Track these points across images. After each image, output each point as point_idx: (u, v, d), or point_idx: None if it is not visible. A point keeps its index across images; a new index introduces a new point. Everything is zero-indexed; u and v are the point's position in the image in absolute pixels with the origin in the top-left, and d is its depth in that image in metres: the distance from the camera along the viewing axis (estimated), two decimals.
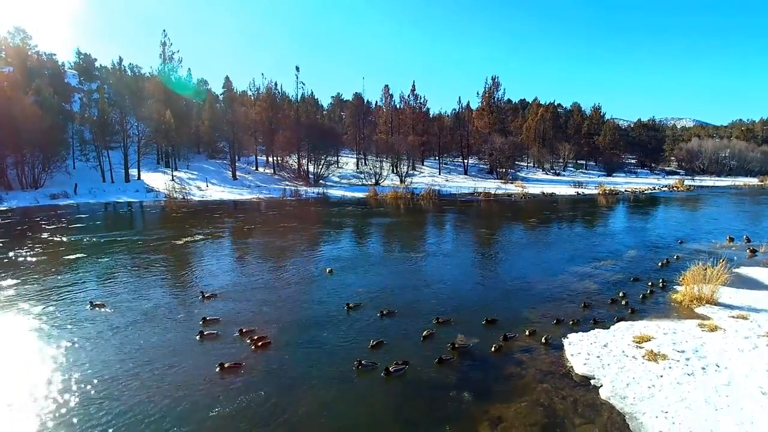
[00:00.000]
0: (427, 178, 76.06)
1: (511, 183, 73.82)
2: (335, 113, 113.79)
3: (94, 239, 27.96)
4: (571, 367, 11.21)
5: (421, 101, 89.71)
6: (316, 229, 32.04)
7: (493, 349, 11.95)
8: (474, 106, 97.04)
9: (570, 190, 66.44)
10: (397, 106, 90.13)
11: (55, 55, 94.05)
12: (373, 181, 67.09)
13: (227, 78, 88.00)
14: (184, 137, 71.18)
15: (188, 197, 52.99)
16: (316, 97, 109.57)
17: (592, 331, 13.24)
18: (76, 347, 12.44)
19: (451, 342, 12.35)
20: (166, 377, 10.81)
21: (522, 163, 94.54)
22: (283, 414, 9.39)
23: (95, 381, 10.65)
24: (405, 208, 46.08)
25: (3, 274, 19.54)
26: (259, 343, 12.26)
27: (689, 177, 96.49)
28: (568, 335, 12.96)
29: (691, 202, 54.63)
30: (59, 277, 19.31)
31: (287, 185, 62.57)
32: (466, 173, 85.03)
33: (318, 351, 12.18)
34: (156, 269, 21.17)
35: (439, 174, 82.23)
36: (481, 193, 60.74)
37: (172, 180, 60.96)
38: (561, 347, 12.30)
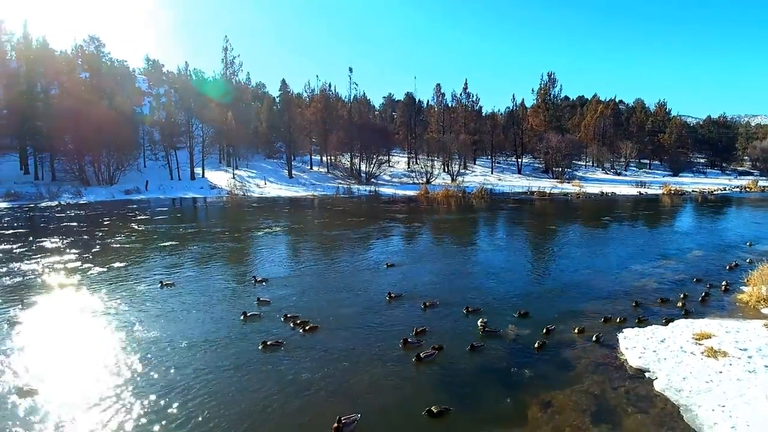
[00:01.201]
0: (479, 177, 75.27)
1: (568, 182, 71.65)
2: (387, 113, 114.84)
3: (179, 230, 30.16)
4: (625, 360, 11.15)
5: (474, 99, 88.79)
6: (369, 225, 32.85)
7: (537, 344, 11.97)
8: (529, 103, 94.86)
9: (632, 190, 63.62)
10: (449, 105, 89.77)
11: (126, 61, 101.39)
12: (424, 179, 67.30)
13: (283, 81, 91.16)
14: (244, 138, 74.56)
15: (248, 194, 55.68)
16: (368, 98, 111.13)
17: (649, 327, 13.01)
18: (143, 319, 13.96)
19: (482, 325, 12.94)
20: (216, 349, 11.93)
21: (580, 163, 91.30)
22: (317, 385, 10.13)
23: (153, 348, 11.92)
24: (456, 207, 46.07)
25: (96, 259, 21.67)
26: (306, 327, 13.08)
27: (764, 177, 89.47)
28: (623, 330, 12.83)
29: (766, 203, 50.84)
30: (140, 261, 21.21)
31: (340, 183, 64.09)
32: (519, 172, 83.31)
33: (362, 335, 12.85)
34: (222, 255, 22.80)
35: (492, 173, 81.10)
36: (535, 192, 59.48)
37: (233, 178, 64.10)
38: (613, 342, 12.21)
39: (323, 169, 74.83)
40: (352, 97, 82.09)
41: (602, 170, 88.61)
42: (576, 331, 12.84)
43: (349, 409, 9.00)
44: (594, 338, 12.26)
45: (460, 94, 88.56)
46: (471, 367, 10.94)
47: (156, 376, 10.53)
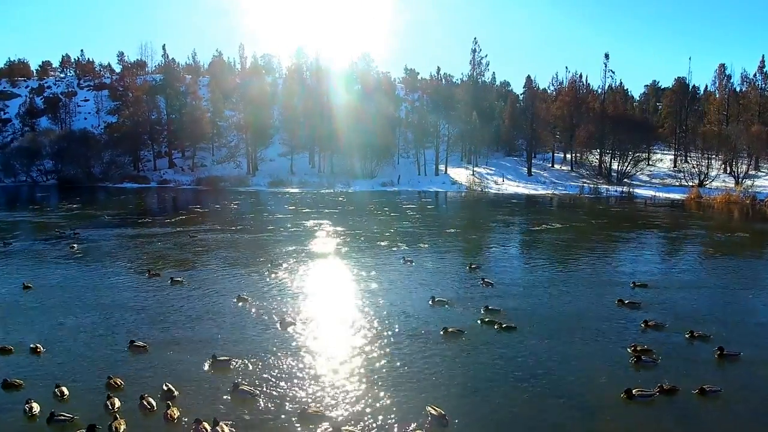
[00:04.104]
0: None
1: None
2: (649, 103, 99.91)
3: (427, 217, 33.30)
4: None
5: None
6: (616, 230, 29.37)
7: None
8: None
9: None
10: (737, 90, 72.23)
11: (388, 72, 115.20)
12: (696, 181, 55.99)
13: (528, 77, 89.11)
14: (486, 136, 76.07)
15: (485, 190, 56.91)
16: (625, 88, 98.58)
17: None
18: (380, 285, 16.71)
19: (718, 347, 11.10)
20: (410, 322, 13.44)
21: None
22: (500, 383, 10.01)
23: (375, 309, 14.39)
24: (740, 217, 36.90)
25: (360, 231, 25.76)
26: (502, 326, 12.85)
27: None
28: None
29: None
30: (391, 238, 24.26)
31: (585, 183, 58.99)
32: None
33: (567, 345, 11.82)
34: (454, 243, 24.34)
35: None
36: None
37: (472, 175, 66.25)
38: None
39: (566, 167, 70.24)
40: (605, 87, 74.15)
41: None
42: None
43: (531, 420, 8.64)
44: None
45: (754, 75, 70.30)
46: (703, 413, 8.96)
47: (366, 330, 12.85)
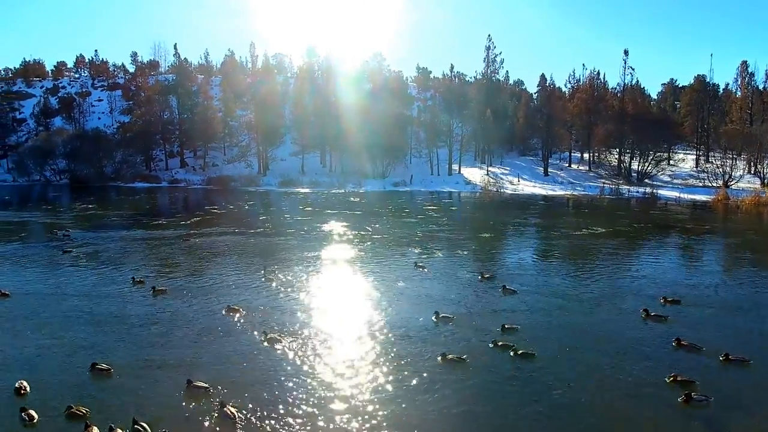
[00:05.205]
0: None
1: None
2: (667, 102, 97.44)
3: (435, 219, 32.20)
4: None
5: None
6: (640, 235, 28.05)
7: None
8: None
9: None
10: (761, 88, 69.85)
11: (400, 71, 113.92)
12: (720, 182, 54.04)
13: (542, 75, 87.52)
14: (499, 136, 74.58)
15: (501, 190, 55.53)
16: (642, 86, 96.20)
17: None
18: (391, 293, 15.73)
19: None
20: (411, 341, 12.06)
21: None
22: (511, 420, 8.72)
23: (384, 323, 13.21)
24: None
25: (376, 235, 24.75)
26: (518, 351, 11.04)
27: None
28: None
29: None
30: (404, 242, 23.24)
31: (604, 183, 57.29)
32: None
33: (592, 370, 10.57)
34: (471, 247, 23.14)
35: None
36: None
37: (487, 174, 64.86)
38: None
39: (584, 167, 68.49)
40: (624, 84, 72.14)
41: None
42: None
43: None
44: None
45: None
46: None
47: (354, 353, 11.42)
